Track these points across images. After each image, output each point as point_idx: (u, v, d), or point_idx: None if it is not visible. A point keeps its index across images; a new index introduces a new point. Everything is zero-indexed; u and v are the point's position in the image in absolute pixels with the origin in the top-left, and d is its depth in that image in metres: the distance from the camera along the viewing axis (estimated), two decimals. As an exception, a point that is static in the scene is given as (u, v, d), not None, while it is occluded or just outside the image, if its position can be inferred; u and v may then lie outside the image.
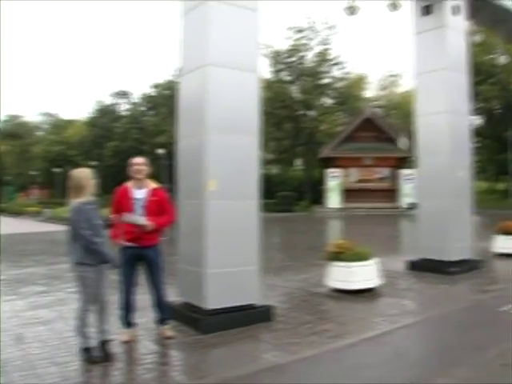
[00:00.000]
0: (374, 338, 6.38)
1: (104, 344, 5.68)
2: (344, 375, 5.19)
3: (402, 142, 40.54)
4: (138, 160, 6.30)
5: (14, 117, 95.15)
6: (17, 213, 50.26)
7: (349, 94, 52.78)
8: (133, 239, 6.17)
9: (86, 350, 5.60)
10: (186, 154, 7.22)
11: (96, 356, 5.57)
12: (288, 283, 10.02)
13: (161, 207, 6.24)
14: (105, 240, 5.53)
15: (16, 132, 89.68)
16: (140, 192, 6.23)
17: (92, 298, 5.56)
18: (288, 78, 50.49)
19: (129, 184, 6.32)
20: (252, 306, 7.01)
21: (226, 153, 6.80)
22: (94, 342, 5.64)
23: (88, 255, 5.44)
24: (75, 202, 5.50)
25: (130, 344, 6.18)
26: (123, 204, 6.20)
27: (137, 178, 6.25)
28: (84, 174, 5.58)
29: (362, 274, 8.84)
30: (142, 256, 6.26)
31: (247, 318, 6.84)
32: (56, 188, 71.33)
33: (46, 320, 7.43)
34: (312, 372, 5.26)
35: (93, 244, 5.38)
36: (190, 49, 7.20)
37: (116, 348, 5.94)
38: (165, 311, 6.51)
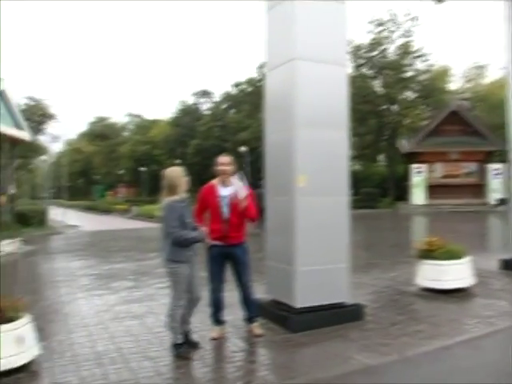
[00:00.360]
0: (470, 341, 6.06)
1: (187, 334, 5.87)
2: (440, 379, 4.93)
3: None
4: (224, 159, 6.26)
5: (102, 118, 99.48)
6: (106, 210, 52.37)
7: (433, 87, 50.98)
8: (219, 238, 6.16)
9: (177, 346, 5.68)
10: (273, 150, 7.15)
11: (186, 351, 5.63)
12: (376, 281, 9.77)
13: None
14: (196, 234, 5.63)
15: (104, 133, 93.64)
16: (226, 190, 6.21)
17: (183, 294, 5.64)
18: (370, 73, 49.50)
19: (214, 182, 6.31)
20: (342, 305, 6.88)
21: (315, 148, 6.68)
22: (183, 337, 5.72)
23: (179, 252, 5.54)
24: (167, 199, 5.59)
25: (219, 341, 6.18)
26: (209, 202, 6.21)
27: (222, 176, 6.23)
28: (176, 173, 5.68)
29: (455, 273, 8.45)
30: (229, 254, 6.25)
31: (337, 316, 6.71)
32: (142, 186, 73.64)
33: (137, 314, 7.59)
34: (406, 375, 5.05)
35: (180, 236, 5.48)
36: (275, 44, 7.10)
37: (206, 344, 6.00)
38: (253, 309, 6.48)
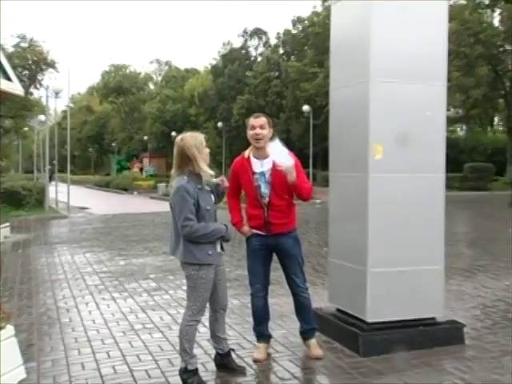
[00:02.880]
0: None
1: (224, 357, 5.93)
2: None
3: None
4: (257, 120, 6.14)
5: (120, 67, 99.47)
6: (125, 188, 53.19)
7: None
8: (261, 225, 6.19)
9: (186, 374, 5.58)
10: (340, 110, 7.11)
11: (198, 381, 5.59)
12: (483, 291, 9.66)
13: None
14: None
15: (122, 86, 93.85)
16: (262, 163, 6.16)
17: (202, 305, 5.61)
18: (484, 1, 48.20)
19: (247, 153, 6.28)
20: (433, 322, 6.84)
21: (397, 108, 6.58)
22: (197, 363, 5.73)
23: (196, 251, 5.43)
24: (178, 180, 5.44)
25: (263, 364, 6.23)
26: (243, 180, 6.22)
27: (256, 145, 6.16)
28: (191, 142, 5.45)
29: None
30: (274, 247, 6.28)
31: (425, 337, 6.66)
32: (173, 157, 74.03)
33: (159, 326, 7.74)
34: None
35: (194, 233, 5.35)
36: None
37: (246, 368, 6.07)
38: (309, 320, 6.51)
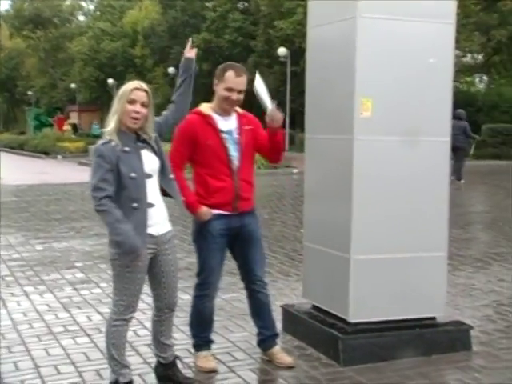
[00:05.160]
0: None
1: (167, 367, 5.96)
2: None
3: None
4: (239, 81, 6.19)
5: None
6: (46, 151, 52.57)
7: None
8: (229, 201, 6.25)
9: None
10: (319, 55, 7.17)
11: None
12: (498, 286, 9.81)
13: (257, 142, 6.37)
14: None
15: (40, 15, 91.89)
16: (228, 121, 6.29)
17: (131, 299, 5.63)
18: None
19: (206, 109, 6.33)
20: (432, 323, 6.95)
21: (391, 52, 6.62)
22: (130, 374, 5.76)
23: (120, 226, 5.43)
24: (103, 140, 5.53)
25: (216, 375, 6.31)
26: (205, 144, 6.22)
27: (227, 105, 6.27)
28: (119, 92, 5.56)
29: None
30: (240, 230, 6.37)
31: (423, 342, 6.79)
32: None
33: (85, 328, 7.77)
34: None
35: (99, 210, 5.36)
36: None
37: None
38: (272, 325, 6.64)
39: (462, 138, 24.85)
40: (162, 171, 5.67)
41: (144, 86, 5.54)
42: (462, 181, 25.03)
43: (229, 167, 6.20)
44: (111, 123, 5.45)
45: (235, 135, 6.24)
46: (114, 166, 5.33)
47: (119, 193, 5.38)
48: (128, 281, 5.51)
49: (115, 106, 5.47)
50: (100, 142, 5.47)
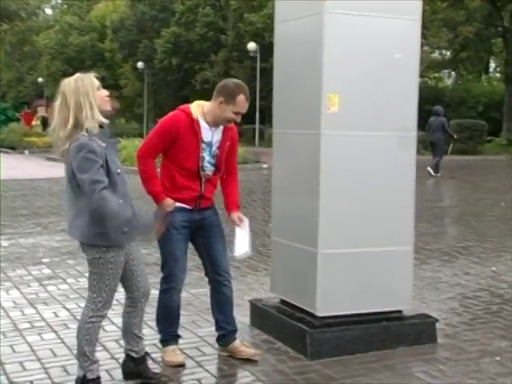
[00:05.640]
0: None
1: (138, 362, 5.93)
2: None
3: None
4: (246, 105, 6.29)
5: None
6: (12, 146, 52.20)
7: None
8: (193, 199, 6.32)
9: (86, 382, 5.58)
10: (287, 50, 7.21)
11: None
12: (464, 279, 9.92)
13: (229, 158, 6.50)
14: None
15: (6, 8, 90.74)
16: (213, 132, 6.32)
17: (109, 296, 5.60)
18: None
19: (194, 112, 6.30)
20: (399, 316, 7.02)
21: (358, 48, 6.67)
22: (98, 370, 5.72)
23: (99, 229, 5.36)
24: (77, 138, 5.28)
25: (177, 370, 6.33)
26: (184, 146, 6.22)
27: (222, 124, 6.38)
28: (84, 85, 5.34)
29: None
30: (201, 223, 6.43)
31: (389, 335, 6.85)
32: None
33: (52, 324, 7.74)
34: None
35: (100, 202, 5.24)
36: None
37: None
38: (232, 320, 6.68)
39: (440, 134, 25.72)
40: None
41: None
42: (439, 174, 25.60)
43: (199, 174, 6.26)
44: (95, 116, 5.26)
45: (214, 148, 6.29)
46: (104, 163, 5.27)
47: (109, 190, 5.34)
48: (110, 277, 5.48)
49: (88, 99, 5.27)
50: (83, 137, 5.23)
